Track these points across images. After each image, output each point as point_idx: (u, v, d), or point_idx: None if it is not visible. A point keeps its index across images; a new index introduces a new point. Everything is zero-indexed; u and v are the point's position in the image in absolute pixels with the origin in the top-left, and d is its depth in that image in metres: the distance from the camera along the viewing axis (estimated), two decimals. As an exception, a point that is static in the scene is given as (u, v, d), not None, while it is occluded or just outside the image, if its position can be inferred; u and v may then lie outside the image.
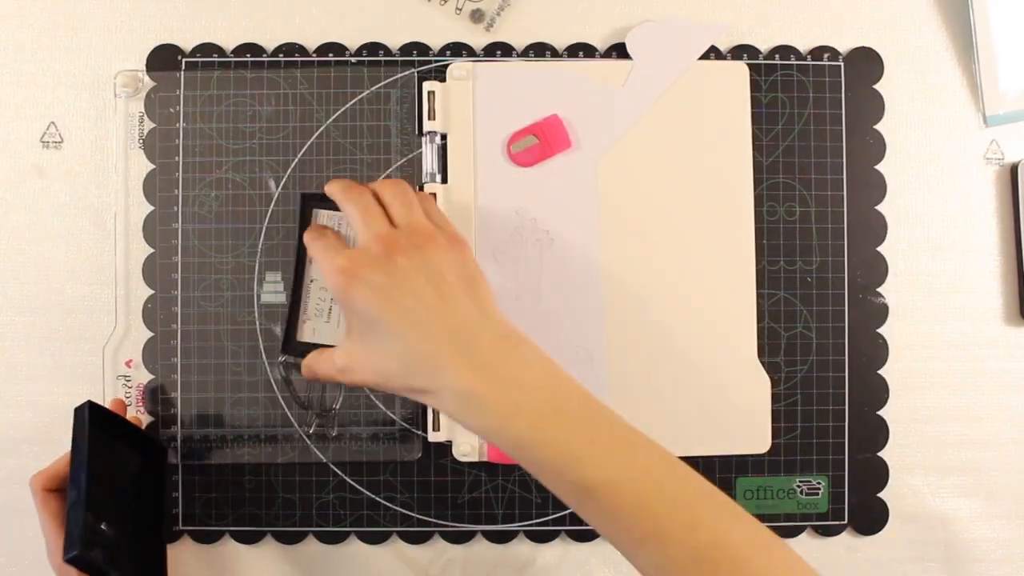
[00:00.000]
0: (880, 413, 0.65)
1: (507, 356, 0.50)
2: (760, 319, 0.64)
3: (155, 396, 0.63)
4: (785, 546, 0.48)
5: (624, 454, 0.48)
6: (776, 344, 0.64)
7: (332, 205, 0.58)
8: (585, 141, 0.63)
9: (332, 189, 0.56)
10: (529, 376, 0.49)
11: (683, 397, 0.63)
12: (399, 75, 0.64)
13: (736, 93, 0.64)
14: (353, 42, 0.64)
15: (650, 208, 0.63)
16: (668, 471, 0.48)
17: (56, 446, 0.59)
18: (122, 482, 0.57)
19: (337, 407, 0.63)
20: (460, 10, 0.65)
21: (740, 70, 0.64)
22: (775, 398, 0.64)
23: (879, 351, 0.65)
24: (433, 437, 0.62)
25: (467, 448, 0.61)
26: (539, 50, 0.65)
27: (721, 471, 0.64)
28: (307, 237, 0.56)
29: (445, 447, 0.63)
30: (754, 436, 0.64)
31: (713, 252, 0.64)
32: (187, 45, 0.64)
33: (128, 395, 0.63)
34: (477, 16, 0.65)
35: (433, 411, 0.62)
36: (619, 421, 0.49)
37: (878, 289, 0.65)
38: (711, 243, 0.64)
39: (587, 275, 0.62)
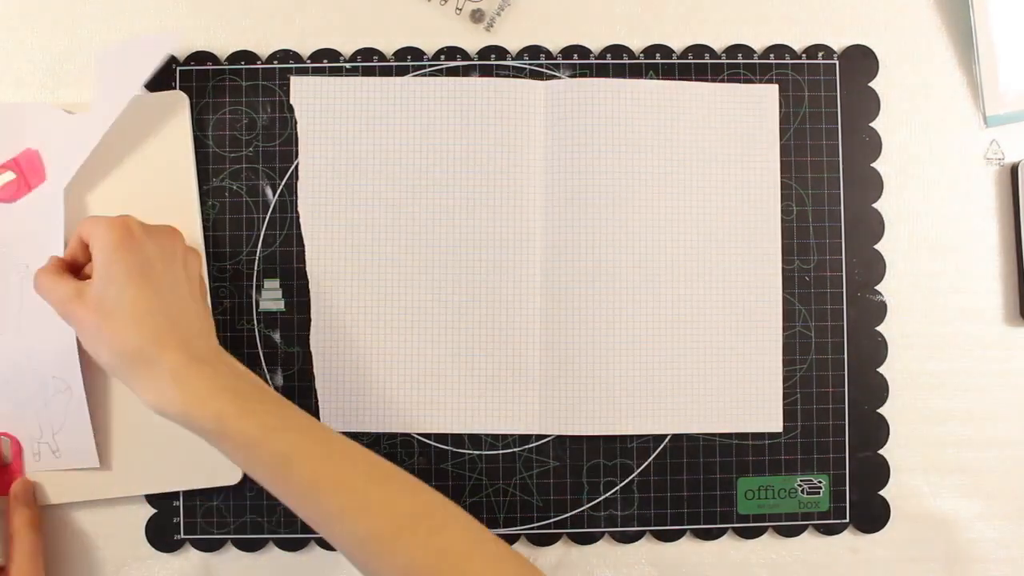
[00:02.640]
0: (880, 411, 0.65)
1: (213, 345, 0.55)
2: (759, 320, 0.64)
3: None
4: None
5: (318, 433, 0.53)
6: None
7: None
8: (57, 170, 0.62)
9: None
10: (227, 363, 0.54)
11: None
12: (394, 78, 0.64)
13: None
14: (348, 47, 0.64)
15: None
16: (359, 453, 0.53)
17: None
18: None
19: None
20: (460, 10, 0.65)
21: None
22: (775, 399, 0.64)
23: (878, 349, 0.65)
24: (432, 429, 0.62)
25: None
26: (533, 53, 0.64)
27: (722, 471, 0.64)
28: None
29: (446, 452, 0.63)
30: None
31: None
32: (181, 53, 0.64)
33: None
34: (477, 16, 0.65)
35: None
36: (294, 406, 0.54)
37: (876, 287, 0.65)
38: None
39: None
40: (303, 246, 0.64)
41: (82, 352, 0.60)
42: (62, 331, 0.59)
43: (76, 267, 0.57)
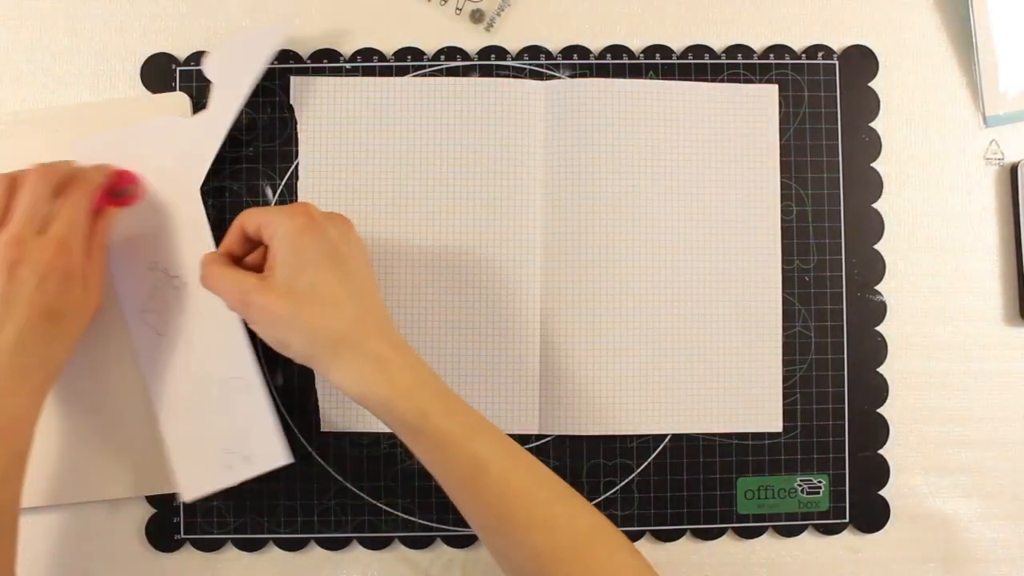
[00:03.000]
0: (880, 411, 0.65)
1: (405, 344, 0.53)
2: (759, 320, 0.64)
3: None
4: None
5: (508, 443, 0.52)
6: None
7: None
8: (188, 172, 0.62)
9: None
10: (421, 360, 0.53)
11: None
12: (394, 78, 0.64)
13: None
14: (348, 47, 0.64)
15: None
16: (533, 461, 0.53)
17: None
18: None
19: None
20: (460, 10, 0.65)
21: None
22: (774, 399, 0.64)
23: (878, 349, 0.65)
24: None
25: None
26: (534, 53, 0.64)
27: (722, 471, 0.64)
28: (242, 217, 0.55)
29: (445, 452, 0.63)
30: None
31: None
32: (181, 53, 0.64)
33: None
34: (477, 16, 0.65)
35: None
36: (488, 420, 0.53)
37: (876, 287, 0.65)
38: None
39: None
40: (303, 246, 0.64)
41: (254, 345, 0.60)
42: (228, 327, 0.59)
43: (233, 260, 0.56)
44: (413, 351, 0.53)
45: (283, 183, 0.64)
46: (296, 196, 0.64)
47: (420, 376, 0.51)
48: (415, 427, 0.50)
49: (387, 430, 0.62)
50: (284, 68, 0.64)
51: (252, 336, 0.59)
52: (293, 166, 0.64)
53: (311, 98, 0.64)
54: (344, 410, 0.63)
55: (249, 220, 0.53)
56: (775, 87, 0.65)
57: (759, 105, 0.65)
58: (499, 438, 0.52)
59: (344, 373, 0.50)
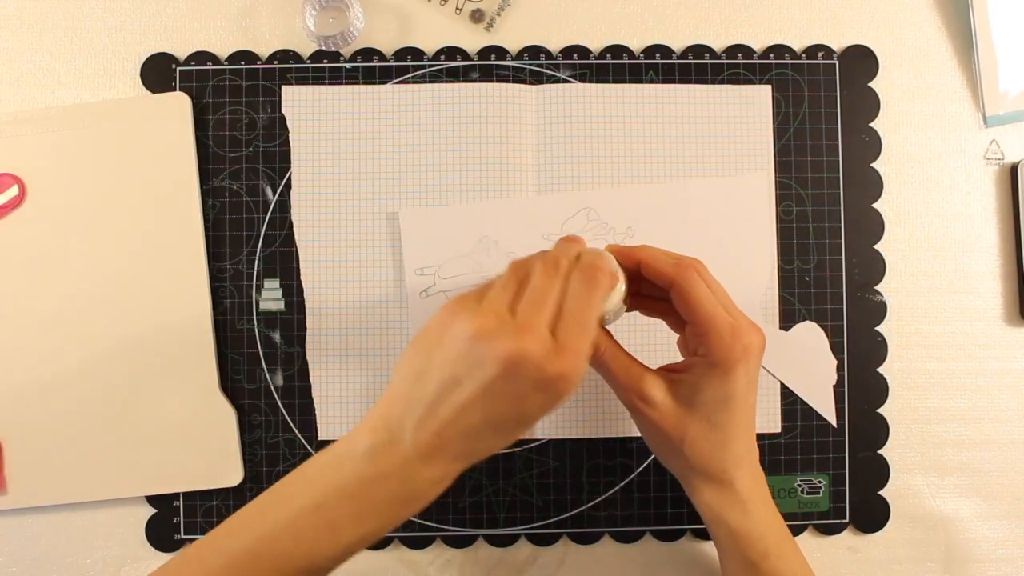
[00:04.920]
0: (880, 411, 0.65)
1: (763, 478, 0.55)
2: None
3: (155, 405, 0.63)
4: None
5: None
6: (775, 345, 0.65)
7: None
8: None
9: (665, 269, 0.51)
10: (766, 490, 0.55)
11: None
12: (392, 81, 0.64)
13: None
14: (348, 47, 0.64)
15: None
16: None
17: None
18: None
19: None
20: (460, 10, 0.65)
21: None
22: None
23: (878, 349, 0.65)
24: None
25: None
26: (533, 53, 0.64)
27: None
28: (690, 275, 0.50)
29: (445, 452, 0.63)
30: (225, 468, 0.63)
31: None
32: (181, 53, 0.64)
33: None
34: (477, 16, 0.65)
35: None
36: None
37: (876, 287, 0.65)
38: None
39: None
40: (303, 246, 0.64)
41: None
42: None
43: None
44: (766, 485, 0.54)
45: (283, 183, 0.64)
46: (290, 204, 0.64)
47: (768, 515, 0.53)
48: (752, 563, 0.53)
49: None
50: (284, 68, 0.64)
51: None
52: (293, 167, 0.64)
53: (302, 107, 0.64)
54: (342, 419, 0.63)
55: (692, 291, 0.49)
56: (768, 87, 0.65)
57: (753, 106, 0.65)
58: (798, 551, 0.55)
59: (707, 500, 0.53)
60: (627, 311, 0.53)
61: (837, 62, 0.65)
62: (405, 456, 0.45)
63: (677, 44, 0.65)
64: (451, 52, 0.64)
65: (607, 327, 0.53)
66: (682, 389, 0.51)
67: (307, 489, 0.46)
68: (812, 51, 0.65)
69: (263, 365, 0.63)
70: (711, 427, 0.51)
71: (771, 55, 0.65)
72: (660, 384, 0.52)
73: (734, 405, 0.50)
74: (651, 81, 0.65)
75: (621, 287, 0.50)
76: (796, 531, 0.64)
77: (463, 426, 0.44)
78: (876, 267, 0.65)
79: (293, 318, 0.63)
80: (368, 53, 0.64)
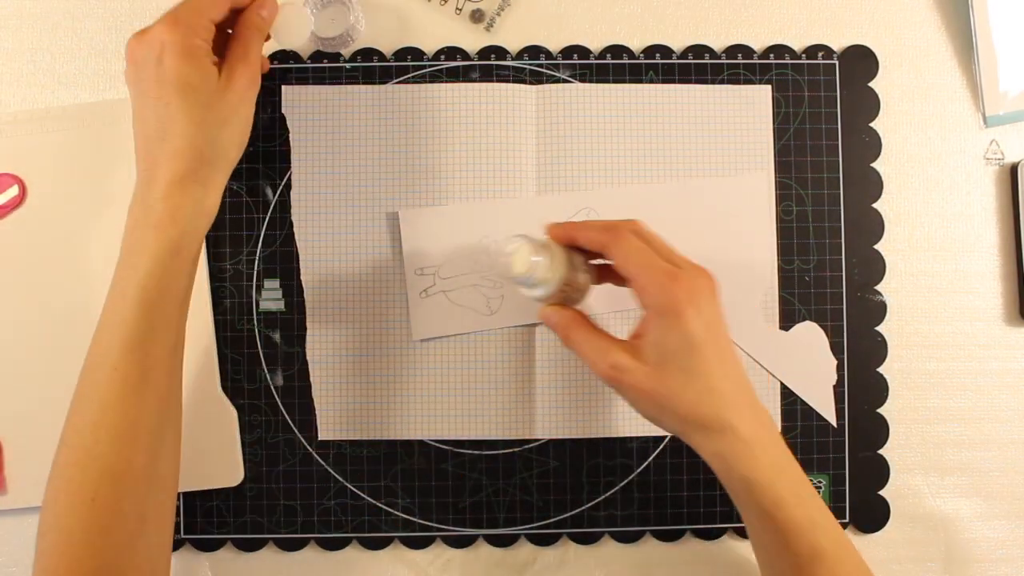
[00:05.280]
0: (880, 411, 0.65)
1: (768, 415, 0.53)
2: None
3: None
4: None
5: (839, 528, 0.52)
6: (775, 345, 0.64)
7: None
8: None
9: (597, 237, 0.53)
10: (780, 437, 0.53)
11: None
12: (392, 81, 0.64)
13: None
14: (348, 48, 0.64)
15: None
16: (857, 552, 0.52)
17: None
18: None
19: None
20: (460, 10, 0.65)
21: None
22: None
23: (878, 349, 0.65)
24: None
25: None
26: (533, 53, 0.64)
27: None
28: (617, 239, 0.52)
29: (446, 452, 0.63)
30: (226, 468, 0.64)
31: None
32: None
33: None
34: (477, 16, 0.65)
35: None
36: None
37: (876, 287, 0.65)
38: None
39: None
40: (303, 246, 0.64)
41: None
42: None
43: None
44: (773, 424, 0.53)
45: (283, 183, 0.64)
46: (290, 204, 0.64)
47: (781, 461, 0.51)
48: (767, 512, 0.50)
49: (382, 437, 0.63)
50: (284, 68, 0.64)
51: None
52: (293, 167, 0.64)
53: (302, 107, 0.64)
54: (341, 420, 0.63)
55: (620, 254, 0.51)
56: (768, 87, 0.65)
57: (753, 106, 0.65)
58: (836, 529, 0.52)
59: (713, 451, 0.51)
60: (596, 284, 0.55)
61: (837, 62, 0.65)
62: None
63: (677, 44, 0.65)
64: (451, 52, 0.64)
65: (578, 307, 0.54)
66: (647, 348, 0.50)
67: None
68: (812, 51, 0.65)
69: (263, 365, 0.63)
70: (688, 376, 0.49)
71: (771, 55, 0.65)
72: (627, 348, 0.51)
73: (701, 348, 0.49)
74: (651, 81, 0.65)
75: (540, 258, 0.50)
76: (796, 531, 0.64)
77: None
78: (876, 267, 0.65)
79: (293, 318, 0.63)
80: (368, 53, 0.64)
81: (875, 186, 0.65)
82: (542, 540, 0.63)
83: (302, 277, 0.63)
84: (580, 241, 0.53)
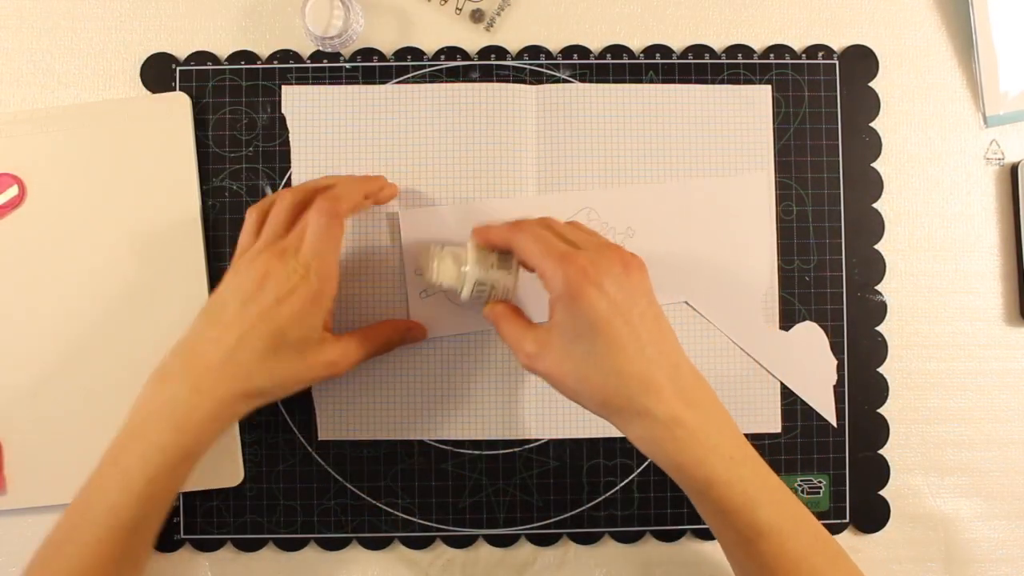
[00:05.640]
0: (880, 411, 0.65)
1: (704, 392, 0.51)
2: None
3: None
4: None
5: (787, 497, 0.51)
6: (775, 345, 0.64)
7: None
8: None
9: (502, 234, 0.55)
10: (718, 415, 0.51)
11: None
12: (392, 81, 0.64)
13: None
14: (348, 48, 0.64)
15: None
16: (816, 525, 0.52)
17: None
18: None
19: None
20: (460, 10, 0.65)
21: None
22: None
23: (878, 349, 0.65)
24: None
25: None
26: (533, 53, 0.64)
27: (721, 472, 0.64)
28: (516, 232, 0.53)
29: (446, 452, 0.63)
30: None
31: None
32: (181, 53, 0.64)
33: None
34: (477, 16, 0.65)
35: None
36: (769, 467, 0.52)
37: (876, 287, 0.65)
38: None
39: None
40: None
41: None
42: None
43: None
44: (707, 398, 0.51)
45: (283, 183, 0.64)
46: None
47: (711, 439, 0.49)
48: (699, 492, 0.50)
49: (381, 437, 0.63)
50: (284, 68, 0.64)
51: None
52: (293, 167, 0.64)
53: (302, 107, 0.64)
54: (341, 420, 0.63)
55: (519, 246, 0.53)
56: (768, 87, 0.65)
57: (753, 106, 0.65)
58: (782, 503, 0.50)
59: (636, 436, 0.50)
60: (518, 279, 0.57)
61: (837, 62, 0.65)
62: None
63: (677, 44, 0.65)
64: (451, 52, 0.64)
65: (506, 299, 0.56)
66: (555, 334, 0.50)
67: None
68: (812, 51, 0.65)
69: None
70: (593, 359, 0.49)
71: (771, 55, 0.65)
72: (536, 335, 0.51)
73: (604, 328, 0.48)
74: (651, 81, 0.65)
75: (464, 268, 0.56)
76: (796, 531, 0.64)
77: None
78: (876, 267, 0.65)
79: (293, 318, 0.63)
80: (368, 53, 0.64)
81: (875, 186, 0.65)
82: (542, 540, 0.63)
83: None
84: (492, 241, 0.55)
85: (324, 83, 0.64)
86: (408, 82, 0.64)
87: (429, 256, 0.57)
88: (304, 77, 0.64)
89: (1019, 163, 0.65)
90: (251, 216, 0.58)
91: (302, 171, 0.63)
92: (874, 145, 0.65)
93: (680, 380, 0.50)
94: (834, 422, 0.64)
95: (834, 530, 0.64)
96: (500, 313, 0.55)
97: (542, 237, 0.52)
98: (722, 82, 0.65)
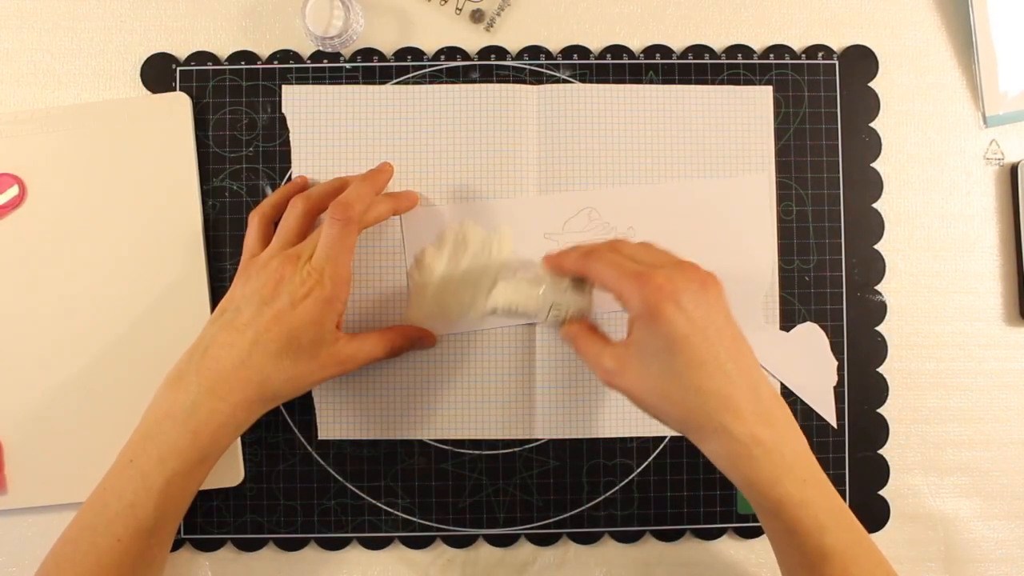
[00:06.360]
0: (880, 411, 0.65)
1: (782, 411, 0.51)
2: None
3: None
4: None
5: (851, 524, 0.51)
6: (775, 345, 0.64)
7: None
8: None
9: (574, 263, 0.55)
10: (794, 435, 0.51)
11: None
12: (392, 81, 0.64)
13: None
14: (348, 48, 0.64)
15: None
16: (877, 551, 0.51)
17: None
18: None
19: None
20: (460, 10, 0.65)
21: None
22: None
23: (878, 349, 0.65)
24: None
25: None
26: (533, 53, 0.64)
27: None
28: (590, 260, 0.53)
29: (446, 452, 0.63)
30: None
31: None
32: (181, 53, 0.64)
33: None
34: (477, 16, 0.65)
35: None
36: (836, 491, 0.52)
37: (876, 287, 0.65)
38: None
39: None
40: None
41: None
42: None
43: None
44: (784, 417, 0.51)
45: (283, 183, 0.64)
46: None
47: (786, 459, 0.49)
48: (770, 511, 0.50)
49: (381, 437, 0.63)
50: (284, 68, 0.64)
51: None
52: (293, 167, 0.64)
53: (302, 107, 0.64)
54: (341, 419, 0.63)
55: (594, 273, 0.53)
56: (769, 88, 0.65)
57: (753, 106, 0.65)
58: (848, 529, 0.51)
59: (712, 452, 0.50)
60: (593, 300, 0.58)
61: (837, 62, 0.65)
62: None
63: (677, 44, 0.65)
64: (451, 52, 0.64)
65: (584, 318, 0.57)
66: (634, 351, 0.51)
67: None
68: (812, 51, 0.65)
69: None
70: (671, 376, 0.49)
71: (771, 55, 0.65)
72: (615, 352, 0.52)
73: (683, 347, 0.48)
74: (651, 81, 0.65)
75: (538, 291, 0.57)
76: (796, 531, 0.64)
77: None
78: (876, 267, 0.65)
79: (293, 318, 0.63)
80: (368, 53, 0.64)
81: (875, 186, 0.65)
82: (542, 540, 0.63)
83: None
84: (566, 271, 0.56)
85: (324, 83, 0.64)
86: (408, 82, 0.64)
87: (499, 278, 0.59)
88: (304, 77, 0.64)
89: (1019, 163, 0.65)
90: (253, 220, 0.60)
91: (302, 171, 0.63)
92: (874, 145, 0.65)
93: (759, 399, 0.50)
94: (834, 422, 0.64)
95: (834, 530, 0.64)
96: (577, 332, 0.56)
97: (615, 261, 0.52)
98: (722, 82, 0.65)
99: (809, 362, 0.64)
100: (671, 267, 0.50)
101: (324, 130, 0.64)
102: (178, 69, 0.64)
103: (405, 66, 0.64)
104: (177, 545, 0.63)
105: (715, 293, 0.50)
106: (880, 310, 0.65)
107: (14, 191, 0.62)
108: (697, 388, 0.48)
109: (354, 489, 0.63)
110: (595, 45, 0.65)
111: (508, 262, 0.62)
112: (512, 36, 0.65)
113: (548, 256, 0.57)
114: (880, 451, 0.65)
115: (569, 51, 0.65)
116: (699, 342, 0.48)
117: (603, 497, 0.64)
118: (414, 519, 0.63)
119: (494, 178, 0.63)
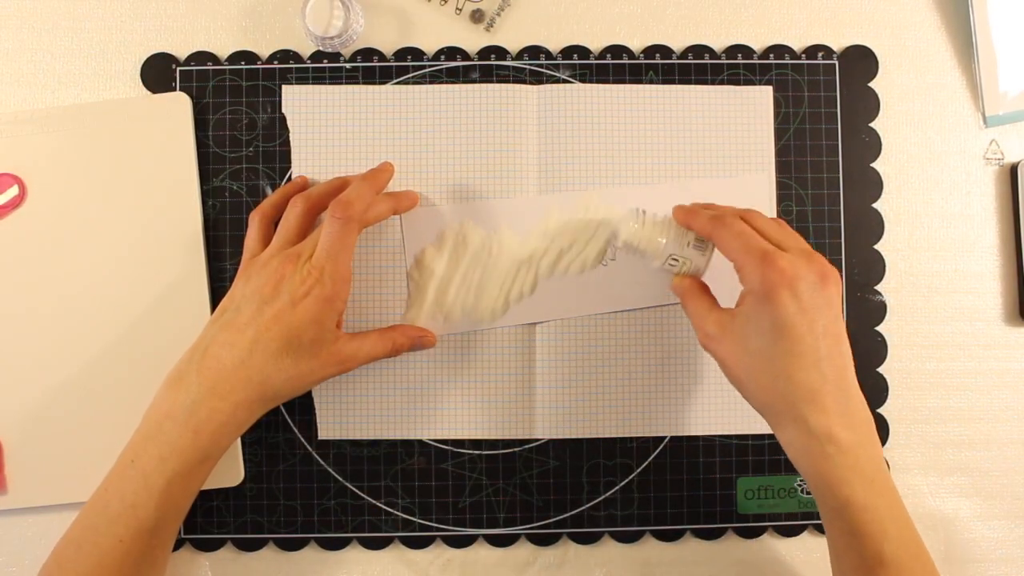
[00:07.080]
0: (880, 411, 0.65)
1: (864, 415, 0.51)
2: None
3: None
4: None
5: (913, 535, 0.51)
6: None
7: None
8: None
9: (704, 225, 0.55)
10: (870, 440, 0.51)
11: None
12: (392, 81, 0.64)
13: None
14: (348, 48, 0.64)
15: None
16: (932, 564, 0.51)
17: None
18: None
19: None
20: (460, 10, 0.65)
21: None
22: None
23: (878, 349, 0.65)
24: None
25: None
26: (533, 53, 0.64)
27: (722, 471, 0.64)
28: (719, 227, 0.53)
29: (446, 452, 0.63)
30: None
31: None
32: (181, 53, 0.64)
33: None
34: (477, 16, 0.65)
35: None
36: (901, 499, 0.52)
37: (876, 287, 0.65)
38: None
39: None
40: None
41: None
42: None
43: None
44: (866, 422, 0.51)
45: (283, 183, 0.64)
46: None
47: (859, 462, 0.49)
48: (835, 510, 0.50)
49: (381, 437, 0.63)
50: (284, 68, 0.64)
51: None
52: (293, 166, 0.64)
53: (302, 107, 0.64)
54: (341, 419, 0.63)
55: (721, 241, 0.53)
56: (769, 88, 0.65)
57: (753, 106, 0.65)
58: (908, 538, 0.51)
59: (786, 441, 0.51)
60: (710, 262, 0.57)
61: (837, 62, 0.65)
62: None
63: (677, 44, 0.65)
64: (451, 52, 0.64)
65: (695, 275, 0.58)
66: (739, 323, 0.51)
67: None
68: (812, 51, 0.65)
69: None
70: (768, 359, 0.49)
71: (771, 55, 0.65)
72: (720, 319, 0.53)
73: (788, 333, 0.48)
74: (651, 81, 0.65)
75: (661, 239, 0.57)
76: (795, 531, 0.64)
77: None
78: (876, 267, 0.65)
79: (293, 318, 0.63)
80: (368, 53, 0.64)
81: (875, 186, 0.65)
82: (542, 540, 0.63)
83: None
84: (693, 227, 0.56)
85: (324, 83, 0.64)
86: (408, 82, 0.64)
87: (628, 215, 0.57)
88: (304, 77, 0.64)
89: (1019, 163, 0.65)
90: (254, 220, 0.60)
91: (302, 171, 0.64)
92: (874, 145, 0.65)
93: (846, 400, 0.50)
94: None
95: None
96: (688, 288, 0.56)
97: (744, 233, 0.52)
98: (722, 82, 0.65)
99: None
100: (797, 253, 0.50)
101: (324, 130, 0.64)
102: (178, 69, 0.64)
103: (405, 66, 0.64)
104: (177, 545, 0.63)
105: (833, 290, 0.50)
106: (880, 310, 0.65)
107: (14, 191, 0.62)
108: (788, 376, 0.49)
109: (354, 489, 0.63)
110: (595, 45, 0.65)
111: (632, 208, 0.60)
112: (512, 36, 0.65)
113: (678, 208, 0.57)
114: (880, 451, 0.65)
115: (569, 51, 0.65)
116: (803, 333, 0.49)
117: (603, 497, 0.64)
118: (414, 519, 0.63)
119: (494, 178, 0.63)
